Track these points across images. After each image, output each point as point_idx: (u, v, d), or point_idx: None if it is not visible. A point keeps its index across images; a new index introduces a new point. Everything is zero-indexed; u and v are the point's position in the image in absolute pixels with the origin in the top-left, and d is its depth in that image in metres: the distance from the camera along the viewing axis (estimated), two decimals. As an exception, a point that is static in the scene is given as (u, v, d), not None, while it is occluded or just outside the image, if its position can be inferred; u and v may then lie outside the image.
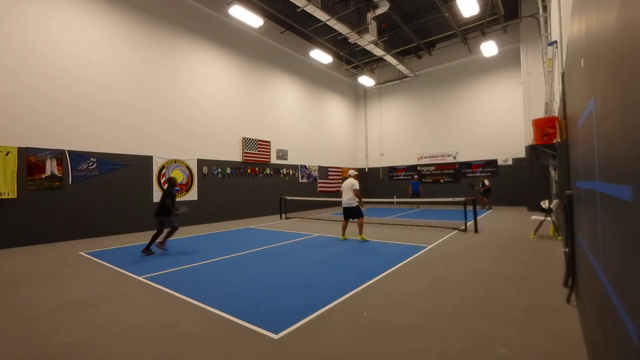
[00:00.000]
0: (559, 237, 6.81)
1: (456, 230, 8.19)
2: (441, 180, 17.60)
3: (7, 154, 7.23)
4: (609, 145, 1.22)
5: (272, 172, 14.29)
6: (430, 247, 6.37)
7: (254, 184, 13.38)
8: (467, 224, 8.43)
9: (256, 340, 2.70)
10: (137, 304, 3.63)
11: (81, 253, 6.55)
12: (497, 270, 4.62)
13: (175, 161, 10.59)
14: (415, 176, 17.54)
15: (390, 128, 19.89)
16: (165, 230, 6.53)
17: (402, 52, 17.22)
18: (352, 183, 7.28)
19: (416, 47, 17.00)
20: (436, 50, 17.60)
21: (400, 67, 16.61)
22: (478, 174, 16.19)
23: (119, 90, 9.28)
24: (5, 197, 7.16)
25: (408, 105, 19.16)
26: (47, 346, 2.68)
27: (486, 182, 14.35)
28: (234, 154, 12.72)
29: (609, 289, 1.33)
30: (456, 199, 9.04)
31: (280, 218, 12.61)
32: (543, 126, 5.06)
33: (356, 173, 7.85)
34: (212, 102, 11.95)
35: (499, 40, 15.08)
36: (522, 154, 14.28)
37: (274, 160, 14.49)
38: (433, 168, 17.93)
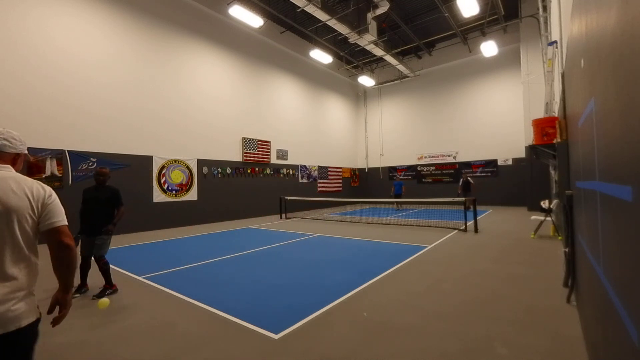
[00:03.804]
0: (559, 237, 6.81)
1: (456, 230, 8.19)
2: (445, 180, 17.57)
3: (7, 154, 7.22)
4: (609, 145, 1.22)
5: (272, 172, 14.29)
6: (430, 247, 6.36)
7: (254, 184, 13.37)
8: (467, 224, 8.43)
9: (256, 340, 2.70)
10: (137, 304, 3.63)
11: (81, 253, 6.54)
12: (497, 270, 4.62)
13: (175, 161, 10.59)
14: (396, 177, 17.45)
15: (390, 128, 19.89)
16: None
17: (402, 52, 17.21)
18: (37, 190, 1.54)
19: (416, 47, 17.00)
20: (436, 50, 17.59)
21: (400, 67, 16.61)
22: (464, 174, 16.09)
23: (119, 90, 9.28)
24: (5, 197, 7.15)
25: (408, 105, 19.15)
26: (46, 346, 2.68)
27: (470, 180, 13.51)
28: (234, 154, 12.72)
29: (609, 289, 1.33)
30: (456, 199, 9.04)
31: (280, 218, 12.60)
32: (543, 126, 5.06)
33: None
34: (212, 102, 11.95)
35: (499, 40, 15.08)
36: (522, 154, 14.28)
37: (274, 160, 14.48)
38: (433, 168, 17.92)
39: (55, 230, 1.45)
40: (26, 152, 1.63)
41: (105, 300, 2.95)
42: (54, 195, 1.51)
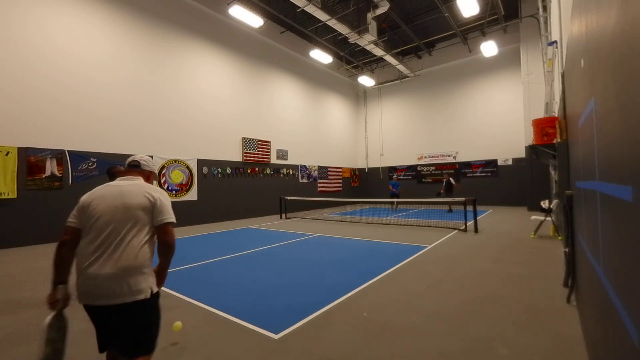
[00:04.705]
0: (559, 237, 6.81)
1: (456, 230, 8.19)
2: (445, 180, 17.56)
3: (7, 154, 7.23)
4: (609, 145, 1.22)
5: (272, 172, 14.29)
6: (430, 247, 6.37)
7: (254, 184, 13.37)
8: (467, 224, 8.43)
9: (256, 340, 2.70)
10: (137, 304, 3.62)
11: (81, 253, 6.53)
12: (497, 270, 4.62)
13: (175, 161, 10.59)
14: (395, 176, 17.42)
15: (390, 128, 19.89)
16: None
17: (402, 52, 17.21)
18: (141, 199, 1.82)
19: (416, 47, 17.00)
20: (436, 50, 17.59)
21: (400, 67, 16.61)
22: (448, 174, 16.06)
23: (118, 90, 9.28)
24: (5, 197, 7.16)
25: (408, 105, 19.16)
26: (47, 346, 2.68)
27: (452, 181, 13.26)
28: (234, 154, 12.72)
29: (609, 289, 1.33)
30: (456, 199, 9.05)
31: (280, 218, 12.61)
32: (543, 126, 5.07)
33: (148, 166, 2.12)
34: (212, 102, 11.95)
35: (499, 40, 15.08)
36: (522, 154, 14.28)
37: (274, 160, 14.48)
38: (433, 168, 17.93)
39: (159, 227, 1.82)
40: (156, 171, 1.97)
41: (178, 323, 2.77)
42: (160, 199, 1.84)
